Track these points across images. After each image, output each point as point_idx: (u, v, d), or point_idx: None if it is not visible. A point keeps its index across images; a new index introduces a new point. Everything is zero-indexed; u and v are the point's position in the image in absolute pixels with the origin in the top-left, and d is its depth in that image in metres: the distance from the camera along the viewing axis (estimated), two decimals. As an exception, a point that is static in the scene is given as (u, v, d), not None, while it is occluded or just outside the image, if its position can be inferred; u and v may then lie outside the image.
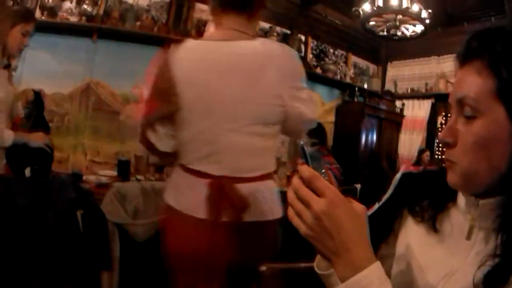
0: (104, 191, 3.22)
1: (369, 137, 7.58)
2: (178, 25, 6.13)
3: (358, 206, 0.82)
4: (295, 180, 0.80)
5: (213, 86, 1.76)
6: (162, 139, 1.82)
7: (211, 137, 1.75)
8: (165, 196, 1.88)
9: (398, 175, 1.11)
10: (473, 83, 0.85)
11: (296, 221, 0.80)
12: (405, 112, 8.19)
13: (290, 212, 0.81)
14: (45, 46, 5.15)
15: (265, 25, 6.98)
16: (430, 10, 5.86)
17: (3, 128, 2.46)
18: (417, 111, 8.07)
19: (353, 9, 6.06)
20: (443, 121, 8.06)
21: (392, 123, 7.99)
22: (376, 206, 1.11)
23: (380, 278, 0.76)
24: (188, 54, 1.84)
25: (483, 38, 0.88)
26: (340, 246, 0.76)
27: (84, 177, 3.77)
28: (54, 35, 5.24)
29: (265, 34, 6.93)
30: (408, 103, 8.24)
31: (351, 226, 0.77)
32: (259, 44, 1.85)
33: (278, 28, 6.91)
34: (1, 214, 2.39)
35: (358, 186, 5.32)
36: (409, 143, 8.07)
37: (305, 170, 0.79)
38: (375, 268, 0.77)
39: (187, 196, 1.79)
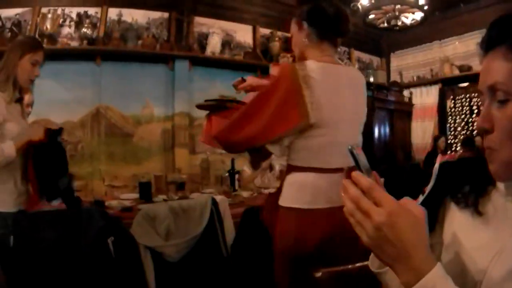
0: (129, 215, 3.19)
1: (381, 130, 7.54)
2: (180, 40, 6.14)
3: (417, 210, 0.82)
4: (354, 191, 0.81)
5: (340, 103, 2.04)
6: (282, 148, 2.04)
7: (337, 142, 2.00)
8: (281, 200, 2.09)
9: (436, 165, 1.13)
10: (501, 68, 0.87)
11: (358, 229, 0.82)
12: (414, 101, 8.16)
13: (352, 220, 0.83)
14: (49, 75, 5.14)
15: (266, 31, 7.00)
16: None
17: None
18: (425, 98, 8.03)
19: (352, 4, 6.05)
20: (452, 105, 8.02)
21: (403, 113, 7.96)
22: (420, 198, 1.13)
23: (442, 278, 0.78)
24: (317, 75, 1.98)
25: (504, 24, 0.92)
26: (401, 253, 0.78)
27: (106, 203, 3.73)
28: (57, 62, 5.22)
29: (267, 40, 6.95)
30: (416, 91, 8.20)
31: (411, 233, 0.78)
32: (348, 67, 2.41)
33: (279, 33, 6.90)
34: (35, 248, 2.39)
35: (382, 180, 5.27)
36: (422, 131, 8.03)
37: (363, 180, 0.81)
38: (437, 270, 0.78)
39: (310, 192, 2.00)
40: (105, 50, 5.67)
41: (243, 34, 6.85)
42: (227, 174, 4.63)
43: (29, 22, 5.58)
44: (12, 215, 2.38)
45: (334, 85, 2.03)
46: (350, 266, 1.47)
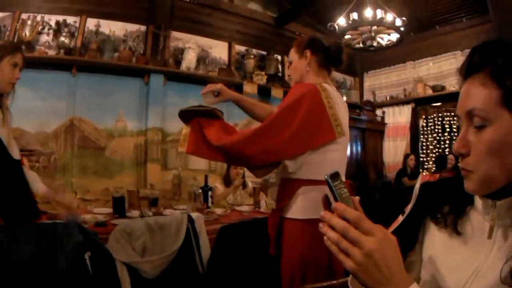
0: (103, 230, 3.14)
1: (354, 149, 7.61)
2: (156, 54, 6.13)
3: (391, 234, 0.85)
4: (339, 222, 0.82)
5: (345, 122, 2.27)
6: (298, 163, 2.18)
7: (344, 157, 2.34)
8: (290, 213, 2.22)
9: (417, 186, 1.14)
10: (479, 95, 0.89)
11: (342, 257, 0.82)
12: (387, 120, 8.27)
13: (334, 249, 0.84)
14: (25, 82, 5.09)
15: (241, 48, 7.04)
16: (404, 18, 5.97)
17: None
18: (398, 118, 8.16)
19: (328, 24, 6.12)
20: (425, 124, 8.16)
21: (375, 132, 8.06)
22: (401, 218, 1.14)
23: None
24: (333, 96, 2.23)
25: (483, 51, 0.92)
26: (386, 275, 0.80)
27: (81, 217, 3.66)
28: (33, 70, 5.15)
29: (243, 57, 6.98)
30: (389, 110, 8.33)
31: (395, 257, 0.82)
32: None
33: (254, 50, 6.97)
34: (9, 262, 2.33)
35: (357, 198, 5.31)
36: (394, 149, 8.15)
37: (350, 212, 0.82)
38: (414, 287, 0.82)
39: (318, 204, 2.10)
40: (81, 61, 5.65)
41: (219, 50, 6.87)
42: (200, 191, 4.60)
43: (8, 28, 5.54)
44: None
45: (341, 106, 2.26)
46: (334, 282, 1.51)
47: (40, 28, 5.67)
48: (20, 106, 4.61)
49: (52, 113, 5.48)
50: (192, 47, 6.36)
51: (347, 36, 6.32)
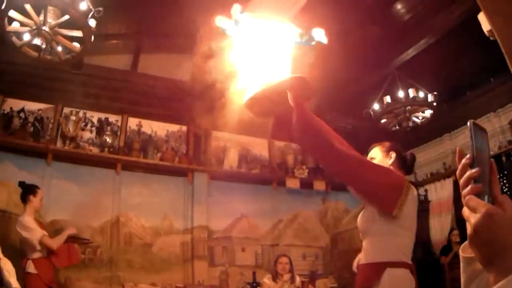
0: None
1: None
2: (199, 154, 6.30)
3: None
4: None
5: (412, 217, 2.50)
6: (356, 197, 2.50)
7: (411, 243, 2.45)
8: None
9: None
10: None
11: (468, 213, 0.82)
12: (430, 197, 8.15)
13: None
14: (71, 177, 5.31)
15: (281, 143, 7.17)
16: (435, 92, 5.98)
17: None
18: (440, 193, 7.99)
19: (364, 111, 6.19)
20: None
21: (420, 212, 7.88)
22: None
23: None
24: (410, 194, 2.43)
25: None
26: (506, 245, 0.77)
27: None
28: (78, 165, 5.39)
29: (282, 153, 7.07)
30: (430, 187, 8.20)
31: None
32: None
33: (293, 145, 6.98)
34: None
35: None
36: (440, 226, 7.93)
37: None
38: None
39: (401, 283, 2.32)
40: (126, 160, 5.85)
41: (259, 147, 7.00)
42: (248, 287, 4.60)
43: (51, 120, 5.82)
44: None
45: (412, 208, 2.44)
46: None
47: (82, 124, 5.94)
48: (67, 200, 4.81)
49: (98, 208, 5.62)
50: (233, 146, 6.54)
51: (382, 121, 6.36)
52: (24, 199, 4.32)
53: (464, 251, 0.98)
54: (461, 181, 0.85)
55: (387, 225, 2.33)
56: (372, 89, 6.51)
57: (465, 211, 0.83)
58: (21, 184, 4.46)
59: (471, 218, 0.80)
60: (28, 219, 4.21)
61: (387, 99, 6.08)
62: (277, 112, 2.04)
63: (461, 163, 0.86)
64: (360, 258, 2.61)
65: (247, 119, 6.11)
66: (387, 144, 2.70)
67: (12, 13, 3.68)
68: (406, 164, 2.66)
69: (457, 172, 0.86)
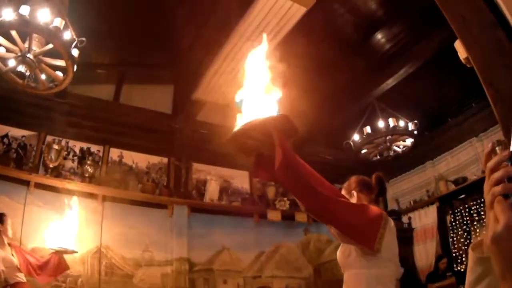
0: None
1: (384, 262, 7.42)
2: (179, 186, 6.28)
3: None
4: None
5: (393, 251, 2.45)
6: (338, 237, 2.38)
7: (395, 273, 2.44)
8: None
9: None
10: None
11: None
12: (414, 224, 8.15)
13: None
14: (52, 207, 5.21)
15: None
16: (416, 121, 6.01)
17: None
18: (424, 220, 7.99)
19: (344, 142, 6.22)
20: (452, 220, 7.95)
21: (403, 239, 7.89)
22: None
23: None
24: (389, 227, 2.40)
25: None
26: None
27: None
28: (59, 195, 5.27)
29: (263, 185, 7.06)
30: (414, 215, 8.19)
31: None
32: None
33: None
34: None
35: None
36: (425, 252, 7.91)
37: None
38: None
39: None
40: (107, 190, 5.82)
41: (240, 180, 6.98)
42: None
43: (34, 148, 5.81)
44: None
45: (391, 238, 2.42)
46: None
47: (65, 153, 5.91)
48: (46, 230, 4.75)
49: (79, 239, 5.59)
50: (213, 179, 6.52)
51: (363, 151, 6.39)
52: None
53: (474, 249, 0.95)
54: (494, 176, 0.81)
55: (366, 259, 2.34)
56: (352, 120, 6.56)
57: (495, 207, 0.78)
58: None
59: (493, 225, 0.77)
60: None
61: (367, 129, 6.12)
62: (258, 151, 1.99)
63: (497, 157, 0.81)
64: None
65: (227, 151, 6.12)
66: (349, 184, 2.73)
67: None
68: (374, 190, 2.66)
69: (490, 165, 0.82)
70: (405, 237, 7.97)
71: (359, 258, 2.38)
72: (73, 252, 4.68)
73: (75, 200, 4.98)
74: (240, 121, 1.82)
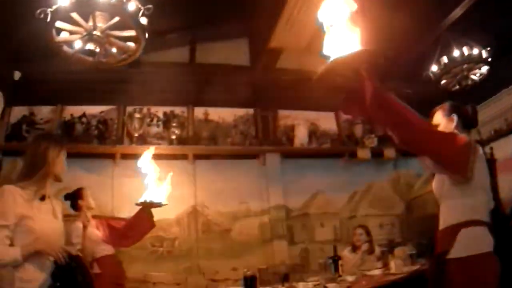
0: None
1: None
2: (268, 135, 6.14)
3: None
4: None
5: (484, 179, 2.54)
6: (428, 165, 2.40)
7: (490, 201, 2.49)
8: (453, 254, 2.30)
9: None
10: None
11: None
12: (496, 155, 7.97)
13: None
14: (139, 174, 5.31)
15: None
16: (489, 48, 5.78)
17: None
18: (506, 150, 7.83)
19: (424, 73, 6.10)
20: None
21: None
22: None
23: None
24: (479, 154, 2.46)
25: None
26: None
27: None
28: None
29: (350, 124, 6.89)
30: (495, 145, 8.01)
31: None
32: None
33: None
34: None
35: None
36: (508, 184, 7.76)
37: None
38: None
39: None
40: (196, 150, 5.84)
41: (327, 121, 6.82)
42: (330, 261, 4.57)
43: (115, 121, 5.84)
44: None
45: (481, 165, 2.45)
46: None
47: (148, 120, 5.89)
48: (139, 196, 4.81)
49: (173, 201, 5.68)
50: (301, 123, 6.41)
51: (442, 82, 6.26)
52: (75, 207, 4.14)
53: None
54: None
55: (459, 188, 2.34)
56: (428, 52, 6.37)
57: None
58: (66, 196, 4.18)
59: None
60: (79, 225, 4.05)
61: (444, 59, 5.99)
62: (347, 87, 2.00)
63: None
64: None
65: (310, 93, 6.05)
66: (446, 106, 2.64)
67: (59, 24, 3.52)
68: (469, 120, 2.61)
69: None
70: (489, 168, 7.81)
71: (452, 187, 2.38)
72: (159, 205, 4.57)
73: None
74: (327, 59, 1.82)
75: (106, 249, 4.18)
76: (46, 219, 2.26)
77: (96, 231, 4.09)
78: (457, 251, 2.28)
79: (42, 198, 2.28)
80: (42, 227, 2.20)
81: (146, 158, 4.33)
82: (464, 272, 2.25)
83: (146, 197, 4.23)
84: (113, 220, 4.56)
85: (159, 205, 4.34)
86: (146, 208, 4.28)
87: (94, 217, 4.26)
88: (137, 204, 4.26)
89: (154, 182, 4.27)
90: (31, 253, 2.18)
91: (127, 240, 4.44)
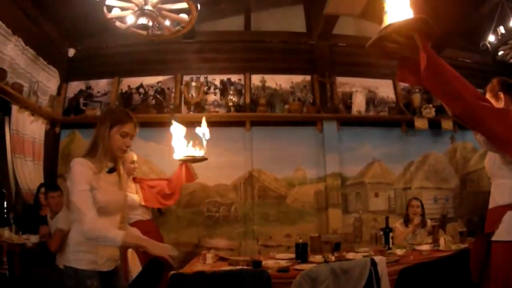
0: (285, 275, 3.17)
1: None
2: (326, 102, 6.12)
3: None
4: None
5: None
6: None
7: None
8: (497, 236, 2.29)
9: None
10: None
11: None
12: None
13: None
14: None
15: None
16: None
17: (110, 228, 2.26)
18: None
19: (481, 44, 5.91)
20: None
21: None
22: None
23: None
24: None
25: None
26: None
27: (262, 263, 3.50)
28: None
29: (408, 92, 6.75)
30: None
31: None
32: None
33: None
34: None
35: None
36: None
37: None
38: None
39: None
40: (253, 117, 5.88)
41: (385, 89, 6.70)
42: (381, 232, 4.55)
43: (173, 90, 5.99)
44: None
45: None
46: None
47: (205, 88, 6.01)
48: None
49: (230, 167, 5.76)
50: (359, 90, 6.32)
51: (500, 53, 6.07)
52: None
53: None
54: None
55: (509, 168, 2.30)
56: (485, 22, 6.19)
57: None
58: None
59: None
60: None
61: (501, 29, 5.79)
62: (401, 54, 1.98)
63: None
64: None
65: (368, 60, 5.99)
66: (492, 86, 2.52)
67: (110, 1, 3.71)
68: None
69: None
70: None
71: (503, 167, 2.33)
72: (202, 159, 4.65)
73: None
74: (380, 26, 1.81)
75: (140, 214, 4.33)
76: (111, 190, 2.36)
77: (132, 196, 4.21)
78: (500, 233, 2.27)
79: (110, 171, 2.39)
80: (106, 199, 2.29)
81: (203, 125, 4.59)
82: (505, 257, 2.24)
83: (187, 152, 4.51)
84: (152, 181, 4.76)
85: (201, 158, 4.59)
86: (188, 161, 4.55)
87: (134, 179, 4.45)
88: (180, 160, 4.57)
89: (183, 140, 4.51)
90: (132, 246, 2.44)
91: (169, 197, 4.68)
